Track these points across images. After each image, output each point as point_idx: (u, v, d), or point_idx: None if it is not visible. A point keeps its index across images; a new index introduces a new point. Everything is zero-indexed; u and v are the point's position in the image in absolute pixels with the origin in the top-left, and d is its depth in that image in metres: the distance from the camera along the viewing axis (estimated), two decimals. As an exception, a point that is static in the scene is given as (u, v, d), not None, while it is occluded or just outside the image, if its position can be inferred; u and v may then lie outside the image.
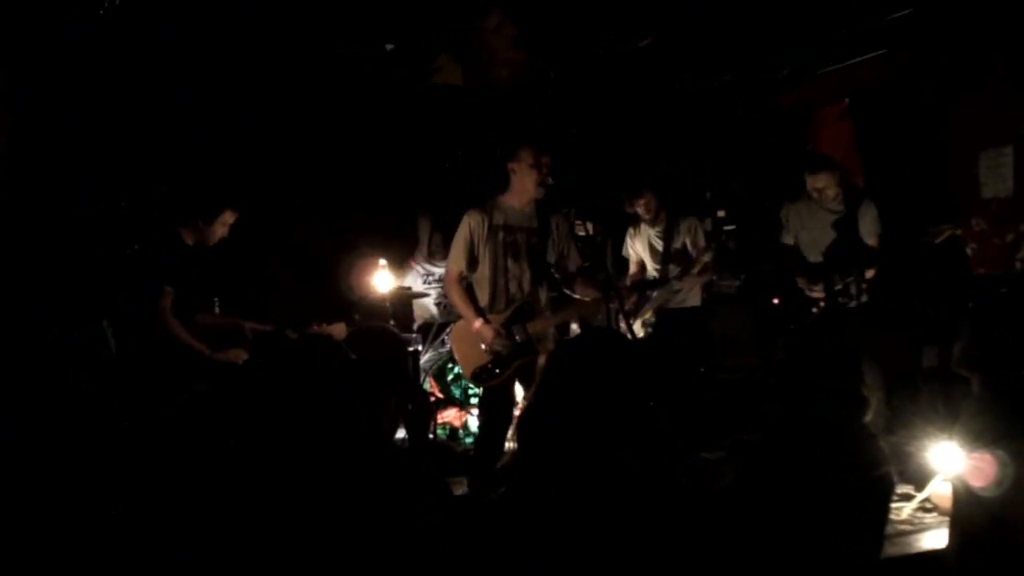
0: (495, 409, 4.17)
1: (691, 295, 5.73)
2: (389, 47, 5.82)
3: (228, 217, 4.52)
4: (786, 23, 5.88)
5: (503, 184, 4.21)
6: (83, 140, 5.43)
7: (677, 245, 5.68)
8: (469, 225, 4.15)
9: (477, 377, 4.18)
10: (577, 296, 4.32)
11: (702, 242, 5.72)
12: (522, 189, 4.14)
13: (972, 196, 5.73)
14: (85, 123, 5.44)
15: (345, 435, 2.28)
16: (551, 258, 4.23)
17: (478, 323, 4.11)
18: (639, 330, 5.39)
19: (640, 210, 5.73)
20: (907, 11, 5.53)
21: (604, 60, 6.30)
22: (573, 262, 4.30)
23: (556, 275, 4.28)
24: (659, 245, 5.75)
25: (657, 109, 7.14)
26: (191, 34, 5.31)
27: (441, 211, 6.63)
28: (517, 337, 4.11)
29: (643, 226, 5.82)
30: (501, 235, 4.14)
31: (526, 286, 4.16)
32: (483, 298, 4.17)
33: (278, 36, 5.52)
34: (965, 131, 5.77)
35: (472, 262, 4.16)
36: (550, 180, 4.06)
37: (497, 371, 4.09)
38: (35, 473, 3.56)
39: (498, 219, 4.15)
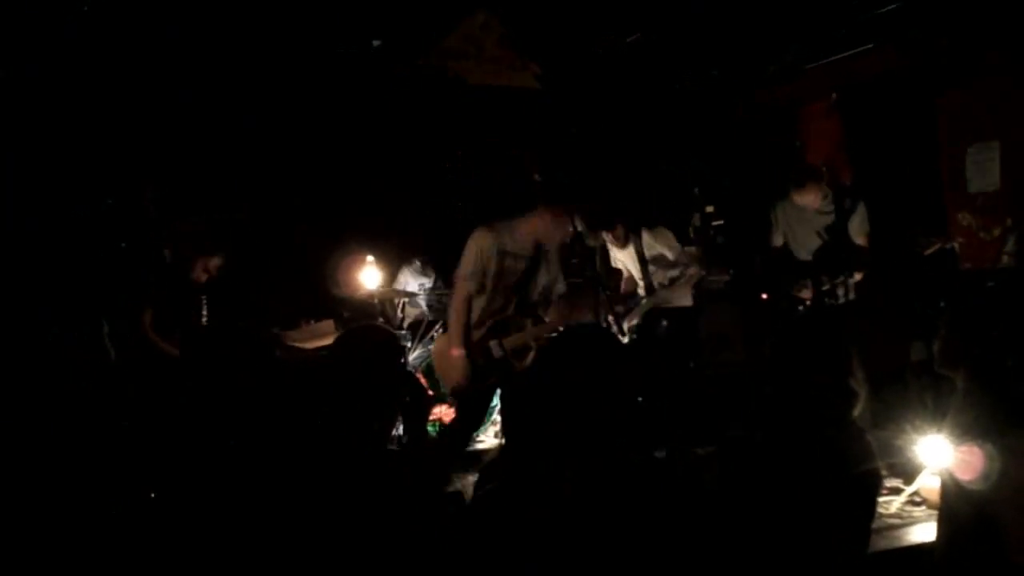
0: (468, 411, 4.30)
1: (680, 297, 5.71)
2: (376, 43, 5.79)
3: (211, 262, 4.59)
4: (774, 19, 5.88)
5: (519, 205, 4.25)
6: (80, 140, 5.41)
7: (656, 254, 5.68)
8: (481, 247, 4.12)
9: (455, 393, 4.25)
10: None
11: (676, 243, 5.74)
12: (538, 228, 4.15)
13: (960, 191, 5.74)
14: (82, 123, 5.41)
15: (338, 437, 2.27)
16: (541, 283, 4.30)
17: (457, 351, 4.13)
18: (624, 338, 5.40)
19: (610, 239, 5.71)
20: (894, 6, 5.53)
21: (597, 59, 6.30)
22: (559, 290, 4.38)
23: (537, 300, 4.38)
24: (637, 259, 5.73)
25: (646, 108, 7.14)
26: (185, 32, 5.29)
27: (440, 211, 6.72)
28: (494, 352, 4.16)
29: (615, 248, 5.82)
30: (507, 261, 4.14)
31: (512, 307, 4.23)
32: (474, 314, 4.19)
33: (270, 33, 5.50)
34: (953, 126, 5.78)
35: (481, 285, 4.15)
36: (537, 177, 4.09)
37: (473, 389, 4.19)
38: (34, 473, 3.56)
39: (506, 244, 4.13)
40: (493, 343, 4.16)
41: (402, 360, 2.56)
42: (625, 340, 5.39)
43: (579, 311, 4.44)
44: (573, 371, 1.68)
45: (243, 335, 2.32)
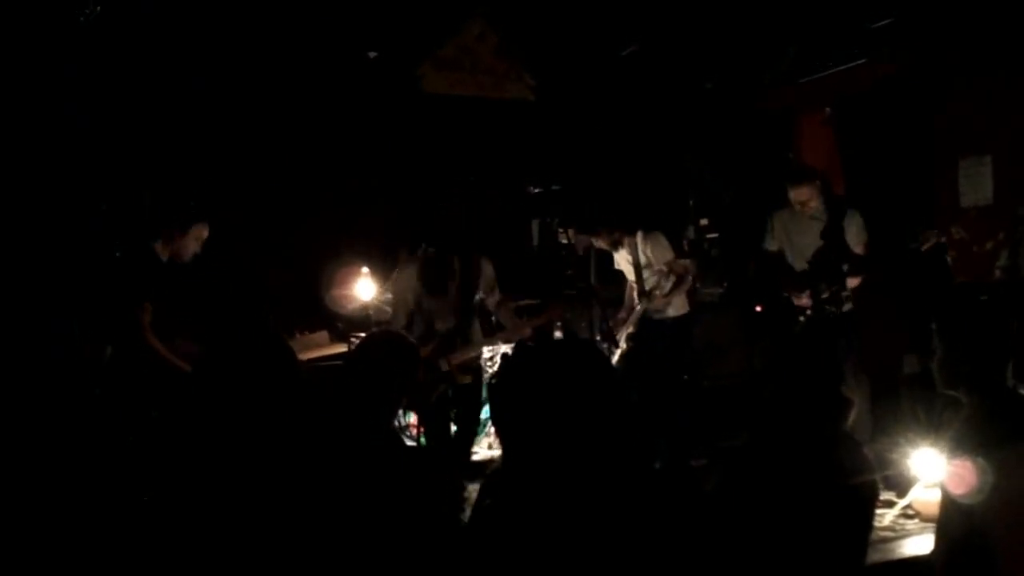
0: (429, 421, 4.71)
1: (673, 306, 5.63)
2: (372, 55, 5.81)
3: (202, 231, 4.50)
4: (770, 30, 5.91)
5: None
6: (77, 144, 5.40)
7: (643, 261, 5.60)
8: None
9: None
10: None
11: (668, 250, 5.59)
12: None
13: (953, 204, 5.76)
14: (80, 126, 5.41)
15: (359, 437, 2.31)
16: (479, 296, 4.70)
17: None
18: (617, 349, 5.38)
19: (601, 243, 5.66)
20: (890, 20, 5.57)
21: (592, 70, 6.32)
22: (490, 303, 4.86)
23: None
24: (632, 265, 5.68)
25: (641, 117, 7.15)
26: (182, 40, 5.30)
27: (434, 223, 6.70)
28: (442, 367, 4.55)
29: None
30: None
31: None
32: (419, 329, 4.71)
33: (268, 42, 5.52)
34: (946, 139, 5.81)
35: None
36: (533, 188, 4.13)
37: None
38: (31, 478, 3.56)
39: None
40: (441, 359, 4.57)
41: (420, 368, 2.70)
42: (619, 350, 5.39)
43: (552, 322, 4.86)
44: (542, 385, 1.66)
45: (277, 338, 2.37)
